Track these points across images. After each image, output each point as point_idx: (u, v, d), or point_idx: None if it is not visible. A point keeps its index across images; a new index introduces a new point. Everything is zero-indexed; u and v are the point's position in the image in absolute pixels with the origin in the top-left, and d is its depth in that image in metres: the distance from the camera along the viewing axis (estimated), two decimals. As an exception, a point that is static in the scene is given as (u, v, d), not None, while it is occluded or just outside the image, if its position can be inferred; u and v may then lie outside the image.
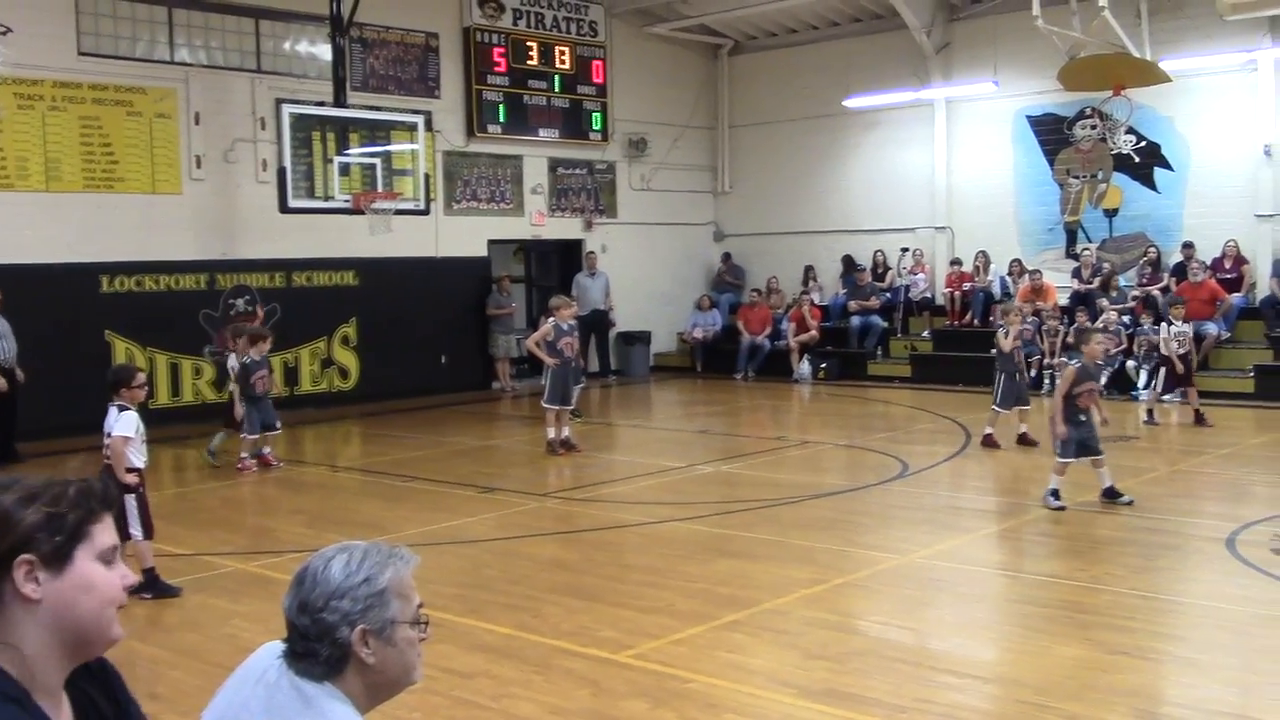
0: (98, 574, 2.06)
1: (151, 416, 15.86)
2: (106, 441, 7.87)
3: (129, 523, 7.77)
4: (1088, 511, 10.04)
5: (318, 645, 2.25)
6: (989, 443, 13.41)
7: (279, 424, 13.29)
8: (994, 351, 13.91)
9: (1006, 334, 13.56)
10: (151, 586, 7.93)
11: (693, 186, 23.88)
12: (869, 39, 21.92)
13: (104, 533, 2.09)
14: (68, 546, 2.03)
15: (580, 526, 10.04)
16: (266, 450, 13.21)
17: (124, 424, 7.80)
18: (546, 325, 13.69)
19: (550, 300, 14.33)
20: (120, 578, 2.10)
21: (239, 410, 12.92)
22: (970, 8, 20.78)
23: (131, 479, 7.85)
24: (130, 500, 7.81)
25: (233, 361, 13.26)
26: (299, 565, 2.34)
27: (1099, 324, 17.93)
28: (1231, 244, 18.48)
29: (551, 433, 13.63)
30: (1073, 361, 10.51)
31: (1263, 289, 18.21)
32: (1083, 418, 10.17)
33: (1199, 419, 14.79)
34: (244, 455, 12.99)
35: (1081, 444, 10.13)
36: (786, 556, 8.71)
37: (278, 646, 2.34)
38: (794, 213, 23.18)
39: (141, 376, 8.21)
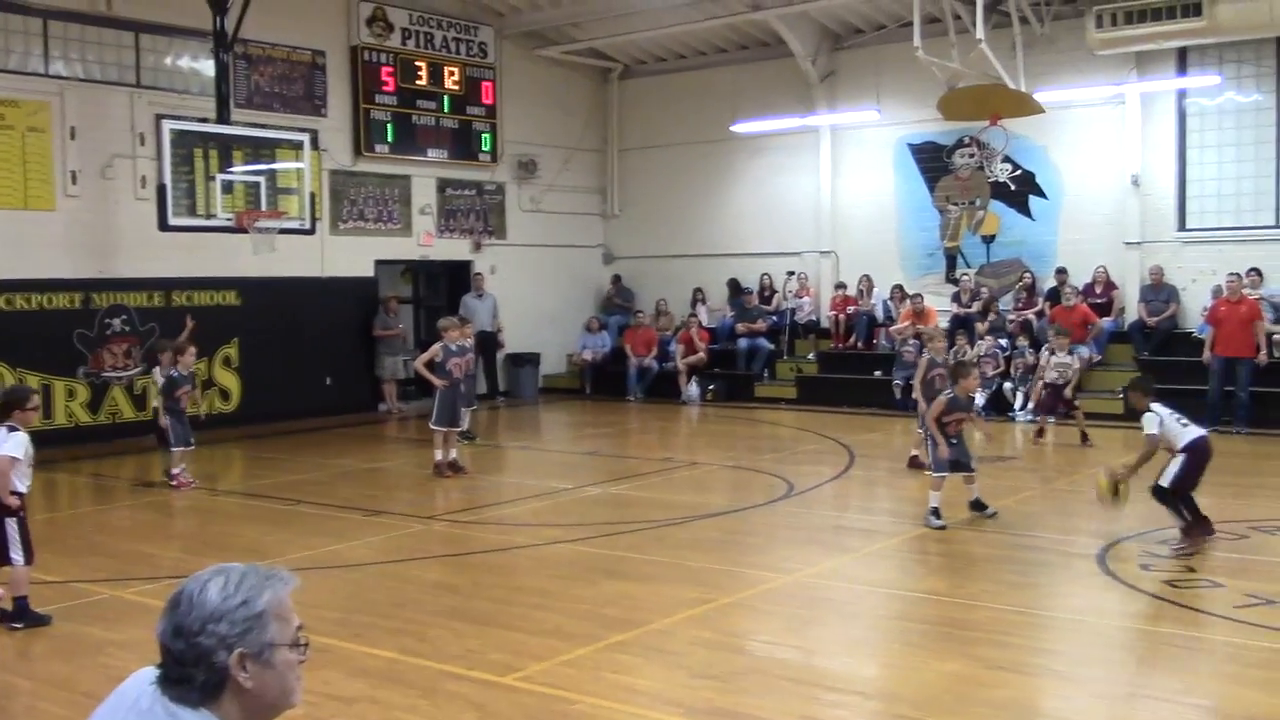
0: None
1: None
2: None
3: (9, 547, 7.56)
4: (965, 530, 10.26)
5: (194, 670, 2.21)
6: (915, 464, 13.21)
7: (193, 441, 13.17)
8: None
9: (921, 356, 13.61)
10: (22, 616, 7.68)
11: (582, 209, 23.92)
12: (756, 65, 22.24)
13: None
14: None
15: (468, 549, 9.94)
16: (177, 469, 13.04)
17: (12, 445, 7.59)
18: (435, 347, 13.66)
19: (439, 321, 14.28)
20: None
21: (163, 422, 12.97)
22: (854, 38, 21.21)
23: (14, 502, 7.63)
24: (11, 524, 7.60)
25: (158, 375, 13.25)
26: (174, 589, 2.29)
27: (979, 350, 18.41)
28: (1101, 270, 19.11)
29: (439, 455, 13.52)
30: (945, 393, 10.83)
31: (1131, 313, 18.87)
32: (953, 440, 10.52)
33: (1084, 439, 15.25)
34: (174, 471, 12.90)
35: (954, 462, 10.48)
36: (674, 577, 8.73)
37: (150, 673, 2.28)
38: (683, 236, 23.35)
39: (36, 399, 8.01)
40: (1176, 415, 9.42)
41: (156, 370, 13.39)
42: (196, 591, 2.24)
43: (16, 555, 7.62)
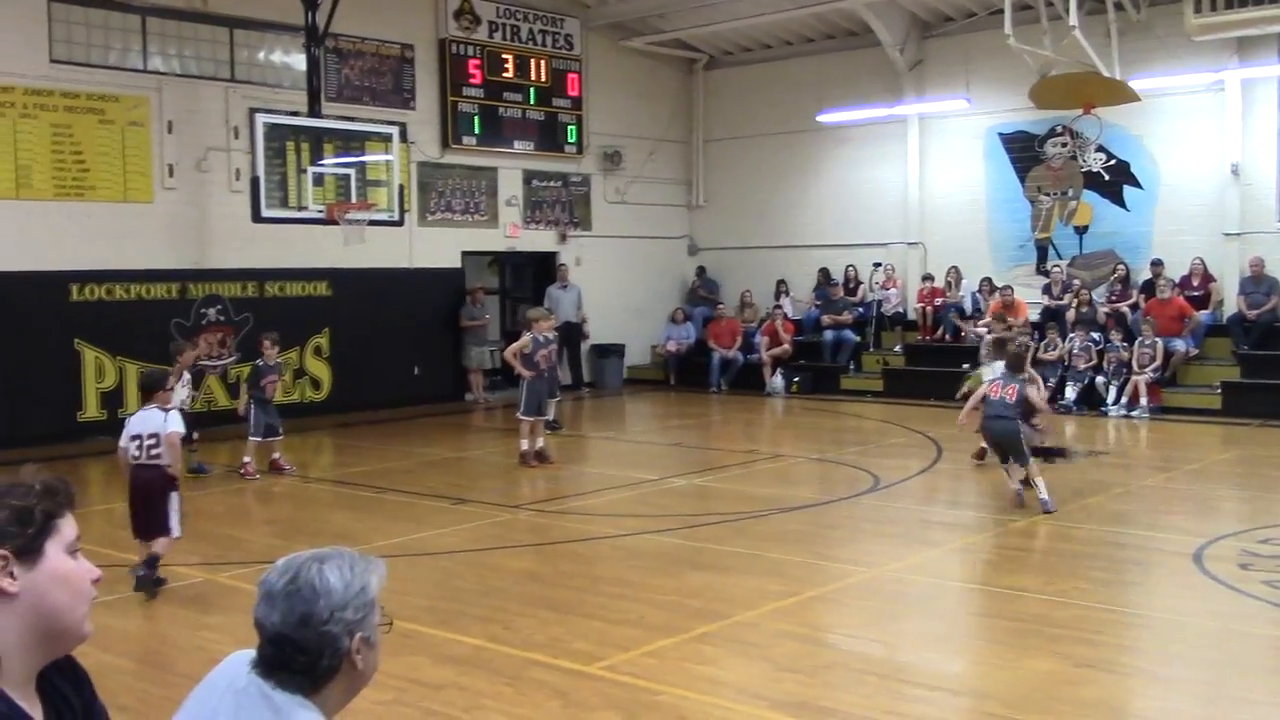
0: (70, 566, 2.10)
1: (122, 426, 15.85)
2: (138, 442, 8.39)
3: (169, 518, 8.40)
4: (1056, 524, 10.10)
5: (316, 657, 2.26)
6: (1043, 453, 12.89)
7: (282, 430, 13.47)
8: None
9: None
10: (154, 577, 8.33)
11: (667, 200, 23.93)
12: (843, 55, 22.05)
13: (69, 526, 2.13)
14: (39, 540, 2.06)
15: (553, 539, 10.02)
16: (277, 455, 13.42)
17: (176, 422, 8.49)
18: (526, 338, 13.81)
19: (528, 312, 14.46)
20: (87, 571, 2.13)
21: (241, 410, 13.34)
22: (943, 25, 20.94)
23: (176, 475, 8.54)
24: (174, 497, 8.47)
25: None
26: (272, 575, 2.33)
27: (1070, 344, 18.10)
28: (1199, 262, 18.65)
29: (525, 444, 13.65)
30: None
31: (1230, 306, 18.39)
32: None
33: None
34: (246, 460, 13.13)
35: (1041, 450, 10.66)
36: (758, 569, 8.72)
37: (247, 655, 2.33)
38: (768, 227, 23.26)
39: (172, 380, 8.86)
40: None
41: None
42: (316, 579, 2.29)
43: (175, 526, 8.48)
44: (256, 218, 15.75)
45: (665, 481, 12.65)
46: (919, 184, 21.46)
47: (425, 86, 19.77)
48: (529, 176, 21.55)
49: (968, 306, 20.43)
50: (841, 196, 22.40)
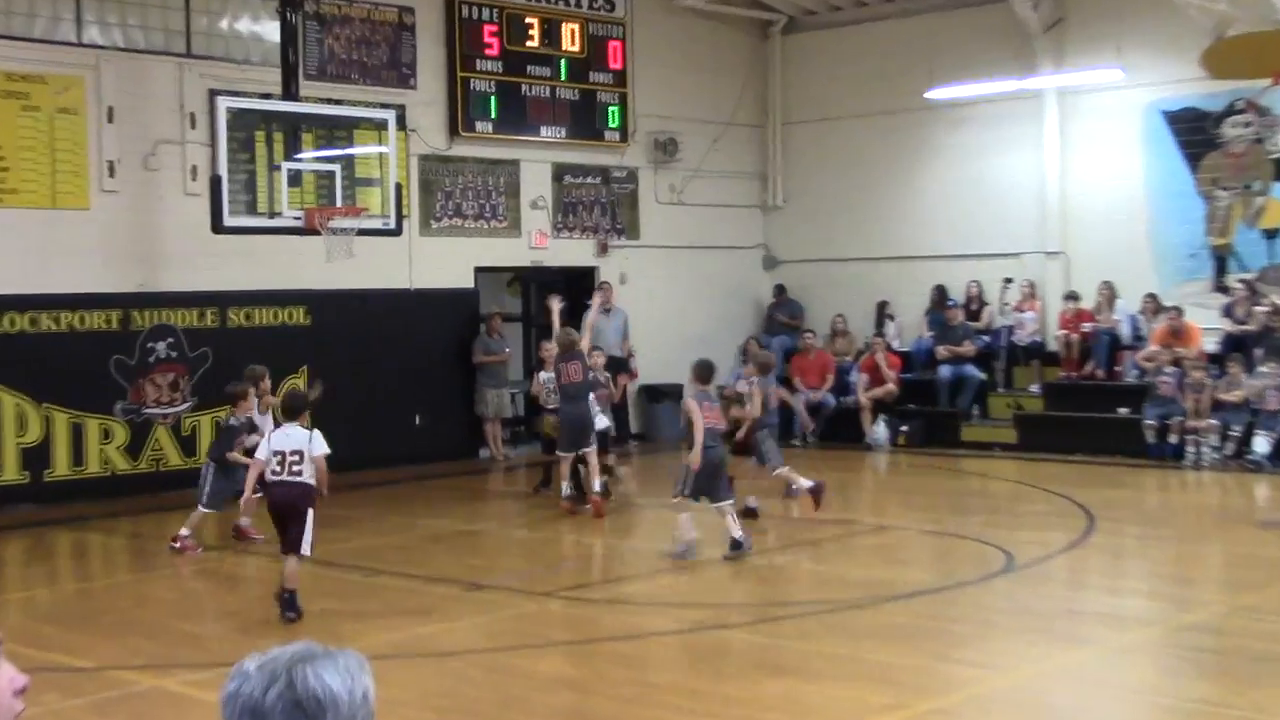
0: None
1: (48, 491, 16.07)
2: (279, 457, 10.33)
3: (303, 539, 10.24)
4: (1249, 618, 9.92)
5: None
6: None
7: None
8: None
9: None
10: (293, 606, 10.23)
11: (736, 200, 23.94)
12: (960, 14, 22.00)
13: None
14: None
15: (591, 635, 9.98)
16: (245, 520, 13.52)
17: (322, 444, 10.46)
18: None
19: (557, 336, 15.58)
20: (9, 681, 2.12)
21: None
22: (1089, -26, 20.88)
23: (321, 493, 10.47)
24: (312, 515, 10.32)
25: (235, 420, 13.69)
26: (247, 684, 2.30)
27: (1260, 379, 17.84)
28: None
29: (566, 487, 14.16)
30: None
31: None
32: None
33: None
34: (182, 531, 13.13)
35: None
36: (855, 675, 8.64)
37: None
38: (865, 233, 23.17)
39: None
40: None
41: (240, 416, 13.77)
42: (318, 686, 2.30)
43: (308, 549, 10.33)
44: (218, 227, 15.89)
45: (735, 560, 12.55)
46: (1059, 176, 21.31)
47: (429, 60, 19.93)
48: (560, 172, 21.65)
49: (1125, 333, 20.22)
50: (960, 194, 22.29)
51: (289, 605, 10.31)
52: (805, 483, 14.15)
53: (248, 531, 13.56)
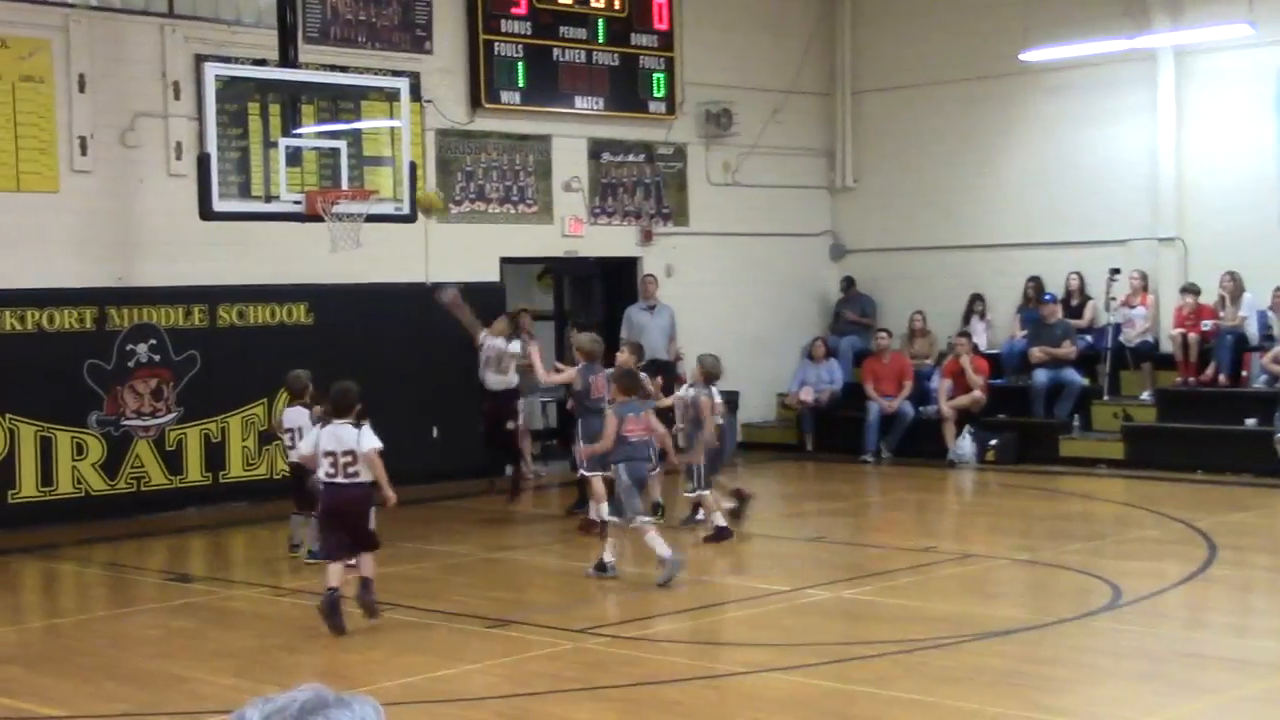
0: None
1: (13, 515, 16.19)
2: (331, 459, 11.15)
3: (367, 533, 11.40)
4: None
5: None
6: None
7: None
8: None
9: None
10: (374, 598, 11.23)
11: (800, 180, 23.94)
12: (1059, -37, 21.95)
13: None
14: None
15: (634, 679, 9.97)
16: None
17: (371, 438, 11.24)
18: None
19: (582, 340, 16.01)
20: None
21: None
22: (1209, -84, 20.77)
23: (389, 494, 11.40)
24: (373, 512, 11.57)
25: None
26: None
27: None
28: None
29: (593, 510, 14.87)
30: None
31: None
32: None
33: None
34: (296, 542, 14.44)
35: None
36: (940, 725, 8.62)
37: None
38: (947, 218, 23.14)
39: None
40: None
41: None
42: None
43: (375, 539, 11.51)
44: (206, 213, 15.98)
45: (800, 594, 12.55)
46: (1175, 150, 21.21)
47: (447, 20, 19.99)
48: (597, 148, 21.69)
49: (1252, 332, 20.10)
50: (1059, 172, 22.22)
51: (366, 589, 11.26)
52: (718, 519, 15.01)
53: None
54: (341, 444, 11.14)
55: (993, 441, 20.86)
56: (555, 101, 21.00)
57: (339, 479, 11.14)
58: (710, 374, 15.65)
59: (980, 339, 21.99)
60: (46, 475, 16.66)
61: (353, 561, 11.39)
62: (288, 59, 16.31)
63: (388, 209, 16.85)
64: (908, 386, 21.69)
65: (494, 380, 17.68)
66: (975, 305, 22.53)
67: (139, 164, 17.50)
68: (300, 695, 2.37)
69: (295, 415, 14.06)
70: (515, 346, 17.54)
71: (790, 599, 12.41)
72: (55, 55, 16.93)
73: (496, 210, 20.68)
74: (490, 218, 20.60)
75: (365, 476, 11.16)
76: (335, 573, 11.14)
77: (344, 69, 17.72)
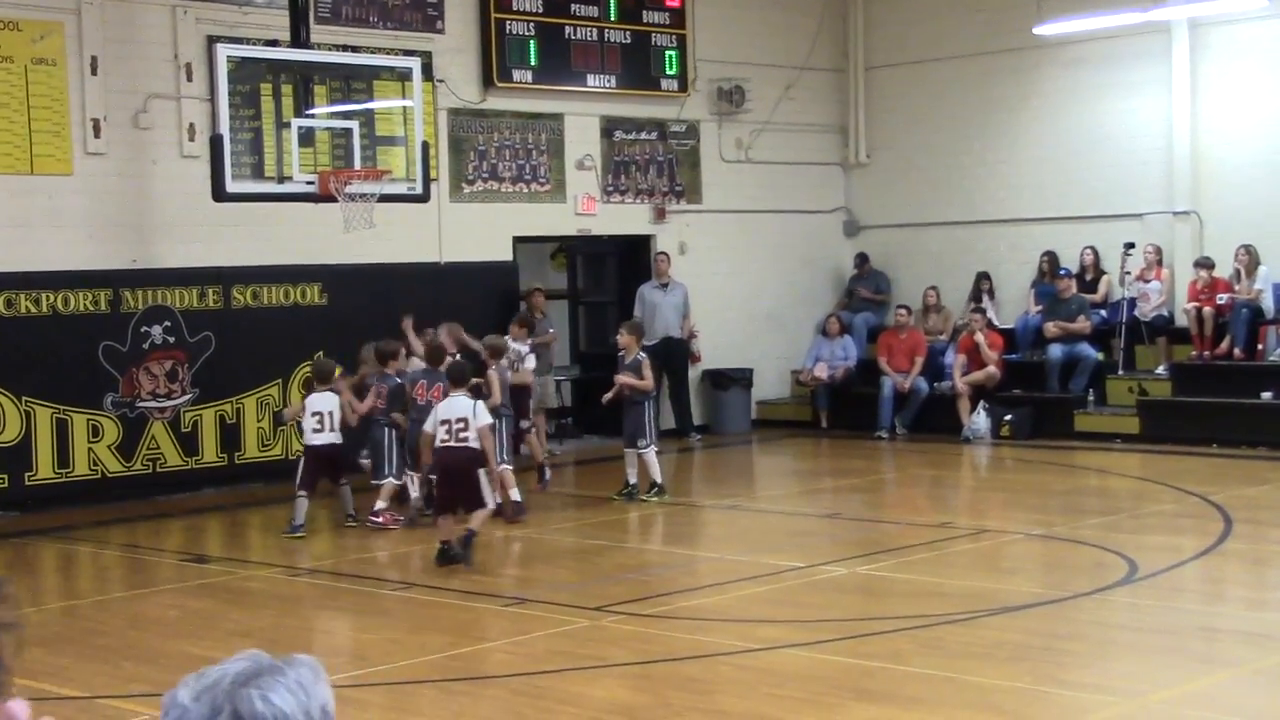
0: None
1: (30, 496, 16.25)
2: (446, 426, 12.72)
3: (482, 491, 12.79)
4: None
5: None
6: None
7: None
8: None
9: None
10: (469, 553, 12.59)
11: (812, 156, 23.89)
12: (1072, -64, 21.87)
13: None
14: None
15: (653, 655, 10.02)
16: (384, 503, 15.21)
17: (486, 414, 13.03)
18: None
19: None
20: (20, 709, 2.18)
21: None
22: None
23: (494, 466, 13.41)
24: (482, 473, 12.85)
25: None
26: (174, 711, 2.34)
27: None
28: None
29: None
30: None
31: None
32: None
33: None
34: (381, 505, 15.05)
35: None
36: (956, 700, 8.66)
37: None
38: (962, 194, 23.09)
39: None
40: None
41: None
42: (268, 712, 2.31)
43: (489, 498, 13.01)
44: (219, 194, 16.02)
45: (816, 570, 12.57)
46: (1190, 123, 21.14)
47: (459, 0, 19.97)
48: (610, 126, 21.67)
49: (1268, 305, 20.05)
50: (1073, 146, 22.16)
51: (467, 541, 12.56)
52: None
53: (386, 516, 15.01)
54: (457, 412, 12.77)
55: (1008, 417, 20.84)
56: (567, 80, 20.98)
57: (451, 443, 12.70)
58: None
59: (994, 315, 21.90)
60: (63, 457, 16.71)
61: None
62: (299, 39, 16.33)
63: (400, 189, 16.89)
64: (921, 363, 21.66)
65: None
66: (982, 283, 22.46)
67: (152, 146, 17.53)
68: (233, 667, 2.35)
69: (324, 400, 14.86)
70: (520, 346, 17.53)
71: (806, 575, 12.44)
72: (68, 38, 16.94)
73: (509, 189, 20.67)
74: (503, 197, 20.59)
75: (474, 443, 12.71)
76: (446, 527, 12.67)
77: (356, 49, 17.74)
